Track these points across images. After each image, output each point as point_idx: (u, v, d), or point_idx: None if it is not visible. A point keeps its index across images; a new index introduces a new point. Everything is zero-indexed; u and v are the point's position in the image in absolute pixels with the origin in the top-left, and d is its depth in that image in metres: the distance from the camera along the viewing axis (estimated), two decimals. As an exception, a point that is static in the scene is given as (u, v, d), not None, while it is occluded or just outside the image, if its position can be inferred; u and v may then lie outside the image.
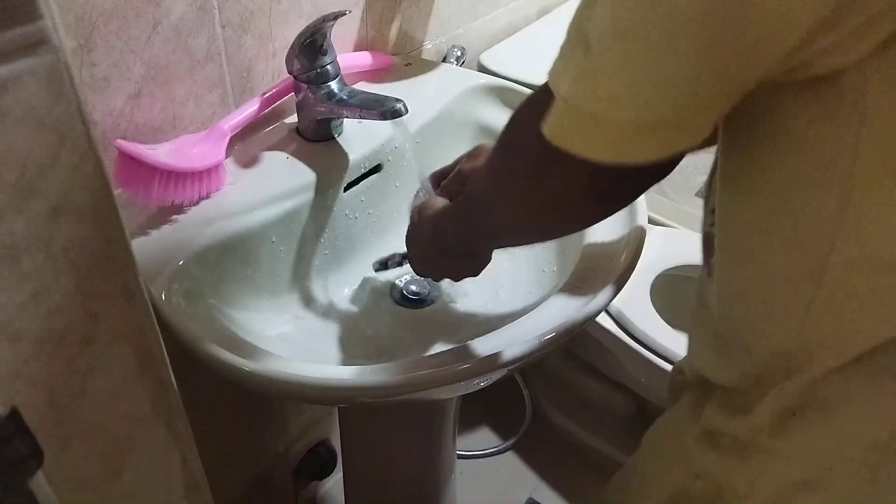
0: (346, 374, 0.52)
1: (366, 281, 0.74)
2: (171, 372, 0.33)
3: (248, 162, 0.67)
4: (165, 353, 0.32)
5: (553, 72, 0.34)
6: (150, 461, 0.34)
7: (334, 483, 1.18)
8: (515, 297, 0.70)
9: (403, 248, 0.63)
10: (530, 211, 0.41)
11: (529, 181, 0.39)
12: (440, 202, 0.55)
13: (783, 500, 0.37)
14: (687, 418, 0.45)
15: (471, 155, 0.59)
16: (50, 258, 0.25)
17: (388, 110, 0.62)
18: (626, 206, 0.43)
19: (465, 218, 0.50)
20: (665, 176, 0.38)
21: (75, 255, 0.26)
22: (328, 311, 0.70)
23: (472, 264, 0.57)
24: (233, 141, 0.67)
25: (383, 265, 0.71)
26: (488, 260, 0.57)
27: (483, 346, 0.52)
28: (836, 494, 0.35)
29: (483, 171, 0.43)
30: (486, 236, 0.51)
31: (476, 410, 1.32)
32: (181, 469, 0.35)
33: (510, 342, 0.52)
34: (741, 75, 0.30)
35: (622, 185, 0.37)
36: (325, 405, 1.03)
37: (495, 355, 0.51)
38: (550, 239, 0.65)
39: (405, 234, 0.60)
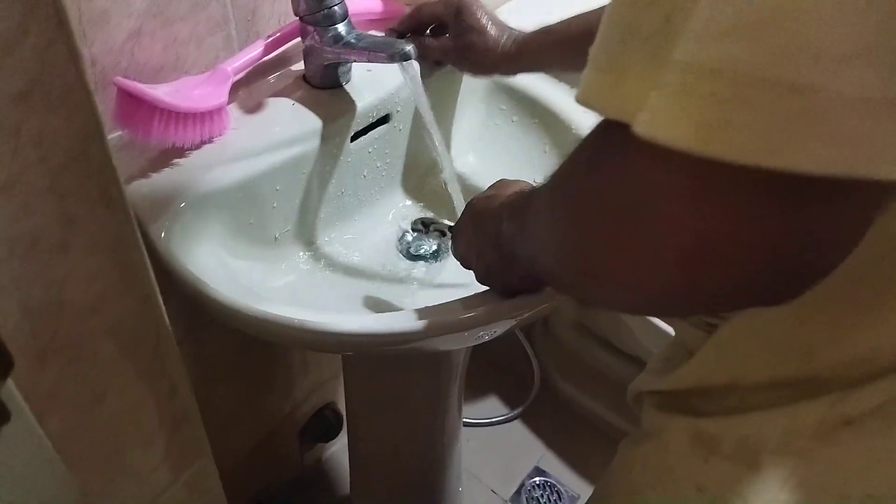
0: (353, 319, 0.50)
1: (374, 234, 0.72)
2: (157, 293, 0.31)
3: (253, 108, 0.65)
4: (151, 270, 0.30)
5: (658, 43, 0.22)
6: (135, 387, 0.32)
7: (340, 446, 1.18)
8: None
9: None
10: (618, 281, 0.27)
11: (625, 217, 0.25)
12: (515, 186, 0.46)
13: None
14: (673, 423, 0.40)
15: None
16: (19, 148, 0.23)
17: (397, 52, 0.59)
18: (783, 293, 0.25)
19: (522, 231, 0.39)
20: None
21: (47, 150, 0.24)
22: (334, 264, 0.69)
23: (517, 278, 0.47)
24: (237, 87, 0.65)
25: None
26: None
27: (492, 294, 0.50)
28: None
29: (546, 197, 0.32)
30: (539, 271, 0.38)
31: (484, 379, 1.30)
32: (170, 398, 0.34)
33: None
34: None
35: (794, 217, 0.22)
36: (329, 352, 1.02)
37: (503, 303, 0.49)
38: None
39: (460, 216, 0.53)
